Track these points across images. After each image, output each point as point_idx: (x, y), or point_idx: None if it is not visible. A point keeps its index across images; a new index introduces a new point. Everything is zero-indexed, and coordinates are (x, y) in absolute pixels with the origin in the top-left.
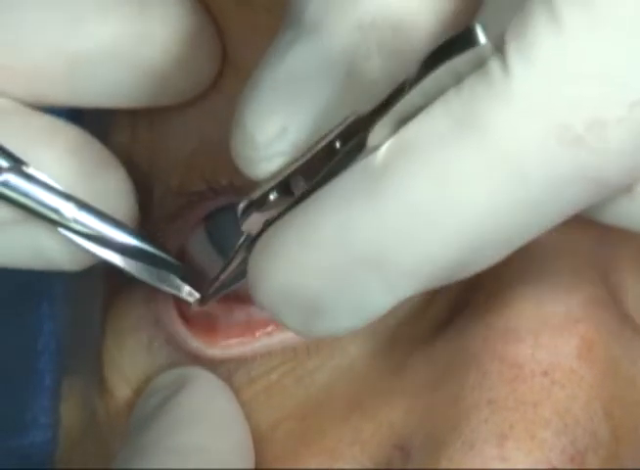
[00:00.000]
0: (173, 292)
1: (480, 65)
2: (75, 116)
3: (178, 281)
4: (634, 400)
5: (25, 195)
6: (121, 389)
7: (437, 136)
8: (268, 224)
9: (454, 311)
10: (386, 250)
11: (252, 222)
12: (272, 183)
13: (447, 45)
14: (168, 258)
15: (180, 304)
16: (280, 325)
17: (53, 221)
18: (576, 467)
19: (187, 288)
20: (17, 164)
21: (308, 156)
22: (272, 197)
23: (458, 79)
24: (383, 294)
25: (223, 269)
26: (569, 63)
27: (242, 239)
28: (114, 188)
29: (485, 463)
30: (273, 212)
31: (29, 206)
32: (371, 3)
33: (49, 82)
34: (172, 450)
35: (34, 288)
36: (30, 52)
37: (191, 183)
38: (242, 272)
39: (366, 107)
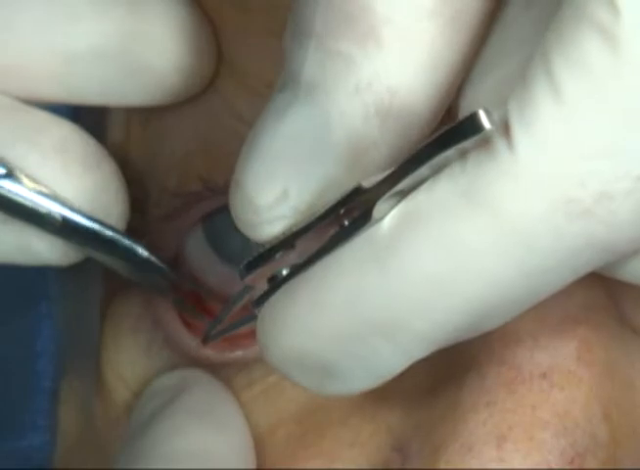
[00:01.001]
0: (159, 294)
1: (483, 139)
2: (71, 115)
3: (165, 284)
4: (633, 403)
5: (15, 199)
6: (120, 391)
7: (442, 208)
8: (271, 280)
9: None
10: (396, 316)
11: (255, 277)
12: (276, 242)
13: (453, 131)
14: (157, 262)
15: (180, 308)
16: None
17: (43, 226)
18: (576, 469)
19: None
20: (8, 170)
21: (312, 219)
22: (277, 255)
23: (462, 153)
24: (394, 357)
25: (224, 314)
26: (573, 137)
27: (242, 289)
28: (102, 185)
29: (484, 465)
30: (276, 267)
31: (19, 209)
32: (367, 67)
33: (44, 81)
34: (172, 454)
35: (33, 290)
36: (25, 51)
37: (187, 183)
38: (242, 319)
39: (370, 178)
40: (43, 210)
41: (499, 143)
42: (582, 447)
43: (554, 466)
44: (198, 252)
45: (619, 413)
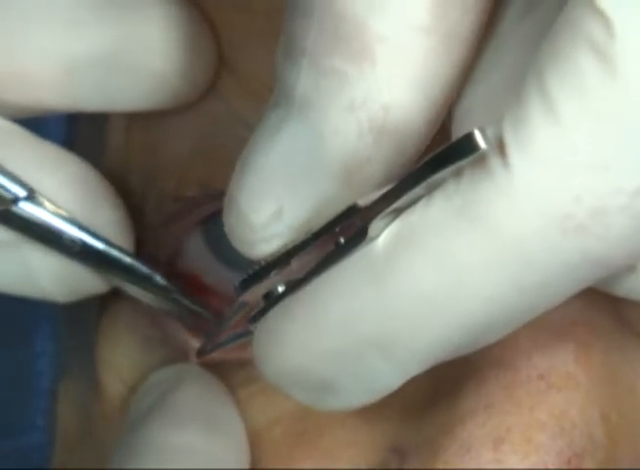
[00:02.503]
0: (177, 319)
1: (478, 157)
2: (71, 119)
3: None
4: (631, 404)
5: (35, 221)
6: (116, 388)
7: (437, 226)
8: (267, 297)
9: None
10: (392, 334)
11: (250, 294)
12: (271, 260)
13: (449, 151)
14: (174, 289)
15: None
16: None
17: (57, 246)
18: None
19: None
20: (29, 193)
21: (308, 237)
22: (272, 272)
23: (457, 171)
24: (391, 374)
25: (219, 329)
26: (567, 154)
27: (237, 305)
28: (110, 219)
29: (481, 466)
30: (271, 284)
31: (38, 232)
32: (362, 84)
33: (46, 89)
34: (166, 450)
35: None
36: (27, 59)
37: (186, 188)
38: (237, 334)
39: (365, 197)
40: (63, 233)
41: (494, 161)
42: (580, 448)
43: (551, 467)
44: (196, 253)
45: (618, 415)
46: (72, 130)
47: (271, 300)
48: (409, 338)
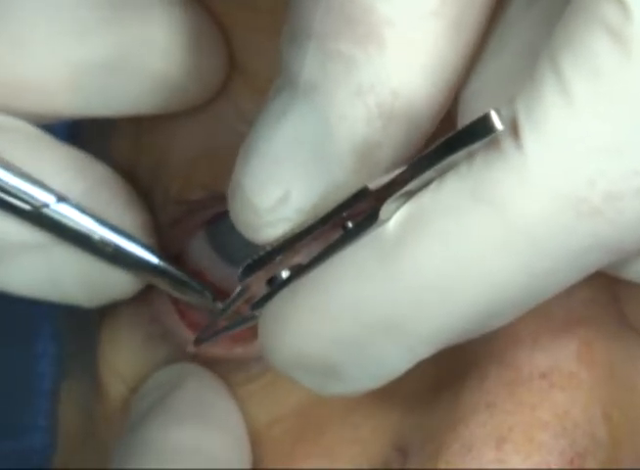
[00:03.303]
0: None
1: (491, 139)
2: (77, 122)
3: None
4: (634, 404)
5: (68, 224)
6: (118, 388)
7: (449, 208)
8: (270, 282)
9: None
10: (401, 318)
11: (254, 280)
12: (277, 245)
13: (464, 133)
14: (201, 288)
15: (178, 301)
16: None
17: (88, 248)
18: (575, 469)
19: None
20: (58, 199)
21: (315, 222)
22: (277, 258)
23: (469, 153)
24: (398, 358)
25: (219, 316)
26: (581, 136)
27: (238, 290)
28: (136, 222)
29: (483, 466)
30: (275, 270)
31: (71, 234)
32: (369, 69)
33: (55, 95)
34: (167, 449)
35: None
36: (32, 66)
37: (191, 192)
38: (236, 321)
39: (376, 180)
40: (96, 235)
41: (507, 143)
42: (582, 448)
43: (554, 467)
44: (200, 252)
45: (620, 414)
46: (76, 132)
47: (275, 285)
48: (418, 321)
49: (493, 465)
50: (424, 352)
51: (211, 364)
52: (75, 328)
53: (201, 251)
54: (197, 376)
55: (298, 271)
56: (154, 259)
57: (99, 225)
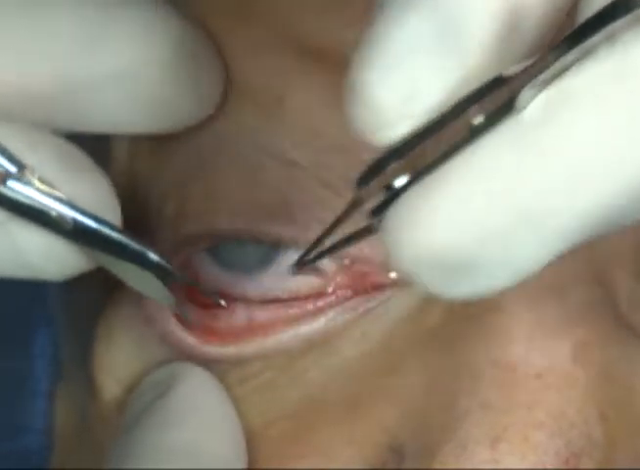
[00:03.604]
0: (163, 304)
1: (634, 19)
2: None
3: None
4: (630, 404)
5: (24, 198)
6: (112, 389)
7: (589, 91)
8: (389, 189)
9: (447, 314)
10: (540, 208)
11: (370, 190)
12: (397, 147)
13: (604, 12)
14: (168, 266)
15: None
16: (276, 325)
17: (46, 224)
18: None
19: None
20: (21, 169)
21: (443, 116)
22: (394, 164)
23: (609, 36)
24: (536, 252)
25: (326, 235)
26: None
27: (350, 204)
28: (95, 195)
29: (478, 466)
30: (392, 175)
31: (28, 211)
32: None
33: (52, 109)
34: (163, 449)
35: (30, 293)
36: (34, 79)
37: (184, 219)
38: (351, 235)
39: (510, 69)
40: (54, 212)
41: None
42: (578, 448)
43: (549, 467)
44: (195, 254)
45: (617, 414)
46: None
47: (395, 190)
48: (559, 211)
49: (488, 465)
50: (562, 245)
51: (205, 364)
52: (71, 329)
53: (197, 256)
54: (192, 376)
55: (425, 169)
56: (116, 235)
57: (55, 201)
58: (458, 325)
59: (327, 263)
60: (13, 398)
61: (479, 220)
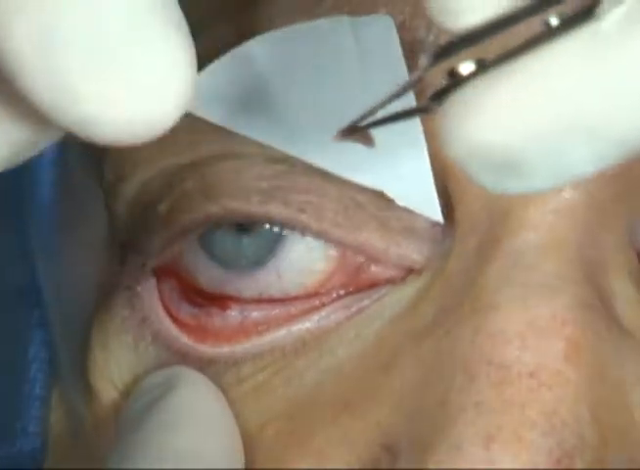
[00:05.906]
0: None
1: None
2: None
3: None
4: (622, 403)
5: None
6: (108, 392)
7: None
8: (453, 75)
9: (441, 313)
10: (600, 117)
11: (436, 69)
12: (470, 33)
13: None
14: None
15: (167, 301)
16: (271, 325)
17: None
18: (563, 469)
19: None
20: None
21: (519, 11)
22: (464, 49)
23: None
24: (587, 159)
25: (382, 105)
26: None
27: (413, 77)
28: None
29: (472, 465)
30: (459, 62)
31: None
32: None
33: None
34: (160, 453)
35: (25, 296)
36: None
37: (180, 213)
38: (407, 111)
39: None
40: None
41: None
42: (570, 447)
43: (541, 467)
44: (190, 253)
45: (609, 414)
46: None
47: (460, 77)
48: (618, 125)
49: (482, 465)
50: (613, 155)
51: (200, 366)
52: (66, 333)
53: (190, 251)
54: (188, 379)
55: (493, 62)
56: None
57: None
58: (451, 324)
59: (321, 263)
60: (7, 402)
61: (528, 124)
